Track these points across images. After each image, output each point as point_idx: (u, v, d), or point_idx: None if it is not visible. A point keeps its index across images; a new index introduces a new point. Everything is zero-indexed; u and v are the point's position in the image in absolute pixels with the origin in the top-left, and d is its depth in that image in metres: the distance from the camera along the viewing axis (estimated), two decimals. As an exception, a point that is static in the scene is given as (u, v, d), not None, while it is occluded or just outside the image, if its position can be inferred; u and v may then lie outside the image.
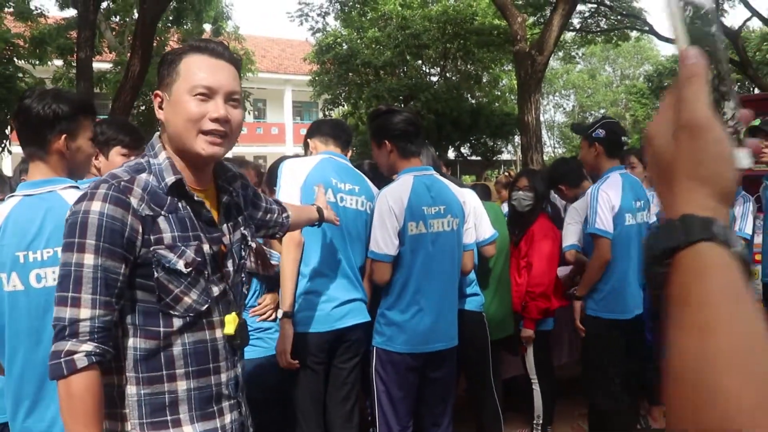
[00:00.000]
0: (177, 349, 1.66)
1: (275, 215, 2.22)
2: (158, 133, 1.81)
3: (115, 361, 1.63)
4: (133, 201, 1.60)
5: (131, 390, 1.63)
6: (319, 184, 2.82)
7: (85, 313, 1.52)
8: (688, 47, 0.71)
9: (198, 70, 1.68)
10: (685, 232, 0.65)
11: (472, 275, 3.69)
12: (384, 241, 3.00)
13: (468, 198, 3.70)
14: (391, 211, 3.00)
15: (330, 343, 3.03)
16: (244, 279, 1.91)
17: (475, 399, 3.86)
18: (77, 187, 2.14)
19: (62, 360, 1.49)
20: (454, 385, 3.41)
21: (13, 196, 2.15)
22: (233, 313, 1.78)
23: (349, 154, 3.40)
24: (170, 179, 1.67)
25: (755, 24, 22.18)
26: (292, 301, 2.94)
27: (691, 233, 0.64)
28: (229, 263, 1.80)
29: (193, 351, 1.69)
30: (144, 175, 1.66)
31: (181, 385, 1.67)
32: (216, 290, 1.74)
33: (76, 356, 1.49)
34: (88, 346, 1.51)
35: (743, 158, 0.70)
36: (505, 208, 5.13)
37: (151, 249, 1.62)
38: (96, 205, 1.56)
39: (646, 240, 0.71)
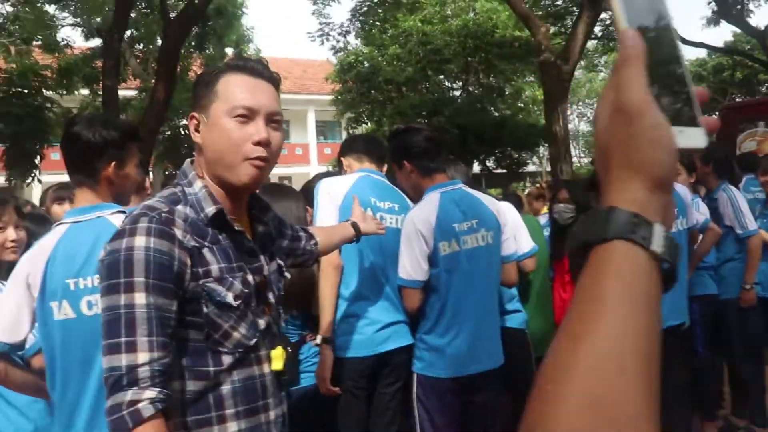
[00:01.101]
0: (226, 388, 1.56)
1: (302, 242, 2.14)
2: (190, 159, 1.71)
3: None
4: (178, 232, 1.51)
5: None
6: (354, 195, 2.72)
7: (143, 357, 1.40)
8: (627, 28, 0.67)
9: (237, 89, 1.58)
10: (603, 227, 0.62)
11: (514, 291, 3.58)
12: (413, 267, 2.88)
13: (504, 210, 3.61)
14: (418, 234, 2.88)
15: (372, 367, 2.94)
16: (281, 310, 1.84)
17: (518, 420, 3.73)
18: (125, 212, 2.10)
19: (125, 412, 1.36)
20: (501, 407, 3.24)
21: (61, 223, 2.12)
22: (279, 347, 1.70)
23: (385, 168, 3.33)
24: (210, 210, 1.57)
25: (781, 24, 21.86)
26: (331, 326, 2.86)
27: (608, 230, 0.61)
28: (270, 295, 1.72)
29: (243, 389, 1.59)
30: (180, 207, 1.57)
31: (231, 427, 1.56)
32: (262, 323, 1.66)
33: (140, 405, 1.37)
34: (152, 392, 1.39)
35: (697, 137, 0.67)
36: (540, 220, 5.04)
37: (200, 282, 1.52)
38: (140, 240, 1.45)
39: (574, 227, 0.66)
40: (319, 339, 2.87)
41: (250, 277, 1.62)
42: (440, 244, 2.89)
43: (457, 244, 2.92)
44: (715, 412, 4.43)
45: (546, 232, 4.57)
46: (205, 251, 1.55)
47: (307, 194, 3.32)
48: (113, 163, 2.14)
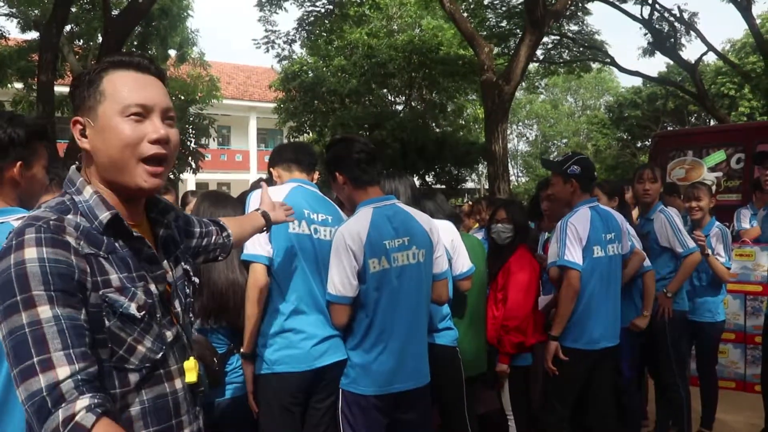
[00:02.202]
0: (135, 410, 1.44)
1: (213, 237, 2.04)
2: (75, 165, 1.55)
3: None
4: (71, 240, 1.36)
5: None
6: (263, 183, 2.65)
7: (63, 372, 1.23)
8: None
9: (126, 87, 1.46)
10: None
11: (446, 309, 3.59)
12: (342, 283, 2.82)
13: (440, 227, 3.64)
14: (348, 249, 2.81)
15: (308, 382, 2.91)
16: (192, 319, 1.72)
17: (448, 434, 3.77)
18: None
19: None
20: (429, 426, 3.22)
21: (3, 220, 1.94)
22: (191, 359, 1.59)
23: (316, 177, 3.31)
24: (105, 216, 1.44)
25: (711, 58, 22.82)
26: (252, 342, 2.85)
27: None
28: (177, 303, 1.61)
29: (153, 409, 1.47)
30: (71, 216, 1.42)
31: None
32: (169, 335, 1.54)
33: (78, 418, 1.21)
34: (84, 400, 1.23)
35: None
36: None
37: (100, 293, 1.38)
38: (30, 253, 1.30)
39: None
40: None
41: (152, 287, 1.51)
42: (370, 261, 2.83)
43: (387, 262, 2.87)
44: (639, 430, 4.55)
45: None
46: (102, 260, 1.41)
47: (243, 205, 3.29)
48: (19, 163, 1.97)
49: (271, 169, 3.29)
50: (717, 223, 5.02)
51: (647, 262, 4.29)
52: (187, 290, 1.70)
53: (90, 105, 1.46)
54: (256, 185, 3.83)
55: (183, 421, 1.56)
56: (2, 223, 1.91)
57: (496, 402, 4.14)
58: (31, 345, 1.24)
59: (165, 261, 1.62)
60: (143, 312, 1.45)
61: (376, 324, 2.88)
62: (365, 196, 3.00)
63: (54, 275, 1.29)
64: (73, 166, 1.55)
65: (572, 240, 3.74)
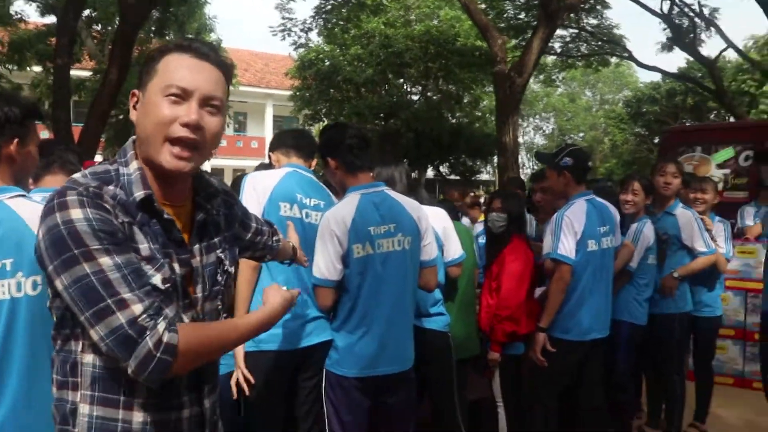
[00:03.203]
0: (139, 384, 1.47)
1: (265, 237, 2.07)
2: (133, 137, 1.61)
3: (70, 375, 1.50)
4: (108, 207, 1.43)
5: (84, 409, 1.48)
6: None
7: (138, 308, 1.35)
8: None
9: (175, 68, 1.51)
10: None
11: (438, 294, 3.64)
12: (326, 266, 2.87)
13: (431, 215, 3.69)
14: (332, 234, 2.86)
15: (295, 361, 2.98)
16: (220, 307, 1.71)
17: (439, 420, 3.82)
18: (25, 196, 2.00)
19: (159, 355, 1.35)
20: (413, 410, 3.25)
21: (25, 197, 2.00)
22: None
23: (314, 163, 3.36)
24: (139, 194, 1.49)
25: (731, 54, 22.57)
26: None
27: None
28: (198, 288, 1.62)
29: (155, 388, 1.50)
30: (111, 187, 1.48)
31: (137, 417, 1.50)
32: (185, 318, 1.55)
33: (165, 338, 1.36)
34: (162, 325, 1.37)
35: None
36: (477, 228, 5.18)
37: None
38: (76, 213, 1.38)
39: None
40: None
41: (176, 266, 1.53)
42: (354, 246, 2.88)
43: (371, 248, 2.91)
44: (631, 423, 4.59)
45: (482, 240, 4.70)
46: (135, 229, 1.47)
47: (235, 190, 3.35)
48: (16, 140, 2.01)
49: (271, 154, 3.36)
50: (717, 217, 5.03)
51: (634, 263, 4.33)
52: (219, 278, 1.70)
53: (145, 80, 1.53)
54: (263, 167, 3.89)
55: (183, 401, 1.59)
56: None
57: (487, 389, 4.19)
58: (101, 289, 1.35)
59: (196, 245, 1.63)
60: (167, 285, 1.48)
61: (359, 308, 2.92)
62: (355, 182, 3.04)
63: (104, 232, 1.38)
64: (132, 138, 1.61)
65: (566, 233, 3.77)
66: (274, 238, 2.14)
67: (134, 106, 1.56)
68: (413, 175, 3.68)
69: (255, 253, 2.10)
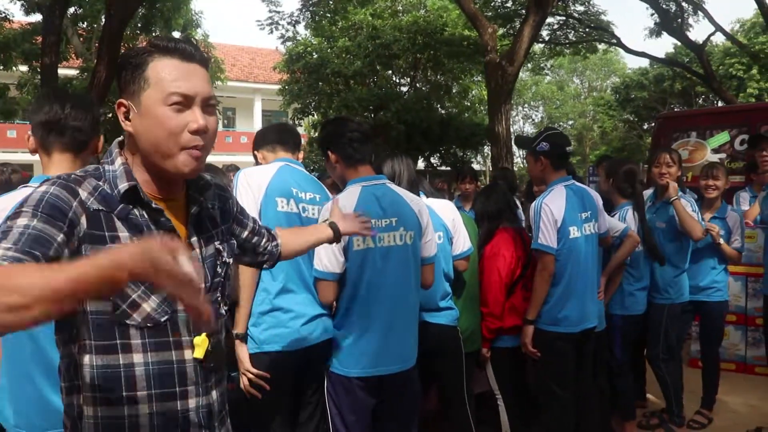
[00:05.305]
0: (139, 370, 1.50)
1: (263, 239, 2.05)
2: (119, 139, 1.63)
3: (74, 379, 1.51)
4: (82, 193, 1.46)
5: (89, 411, 1.50)
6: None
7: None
8: None
9: (170, 76, 1.51)
10: None
11: (447, 288, 3.60)
12: (328, 259, 2.81)
13: (441, 207, 3.64)
14: None
15: (298, 361, 2.93)
16: (219, 299, 1.73)
17: (447, 414, 3.79)
18: None
19: None
20: (417, 408, 3.20)
21: (27, 186, 2.15)
22: (203, 335, 1.61)
23: (301, 156, 3.31)
24: (123, 186, 1.51)
25: (719, 38, 22.62)
26: (245, 322, 2.86)
27: None
28: None
29: (158, 372, 1.53)
30: (96, 181, 1.52)
31: (143, 409, 1.51)
32: (181, 306, 1.53)
33: None
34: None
35: None
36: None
37: (107, 246, 1.45)
38: (41, 188, 1.42)
39: None
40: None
41: None
42: (354, 239, 2.82)
43: (371, 241, 2.86)
44: (633, 411, 4.57)
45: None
46: (113, 217, 1.49)
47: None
48: (102, 137, 2.32)
49: (256, 153, 3.29)
50: (729, 206, 5.00)
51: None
52: (218, 269, 1.72)
53: (134, 90, 1.52)
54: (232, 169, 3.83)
55: (188, 390, 1.59)
56: None
57: (488, 383, 4.16)
58: None
59: (195, 237, 1.66)
60: None
61: (357, 303, 2.88)
62: (355, 175, 3.00)
63: (47, 202, 1.39)
64: (117, 139, 1.63)
65: (546, 222, 3.69)
66: (273, 243, 2.10)
67: (126, 117, 1.55)
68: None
69: (255, 258, 2.08)
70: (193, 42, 1.64)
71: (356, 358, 2.87)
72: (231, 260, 1.81)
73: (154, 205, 1.55)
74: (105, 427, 1.50)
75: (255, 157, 3.30)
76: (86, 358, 1.49)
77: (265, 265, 2.17)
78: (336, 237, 2.30)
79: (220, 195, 1.83)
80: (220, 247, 1.74)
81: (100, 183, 1.51)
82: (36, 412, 2.11)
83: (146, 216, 1.54)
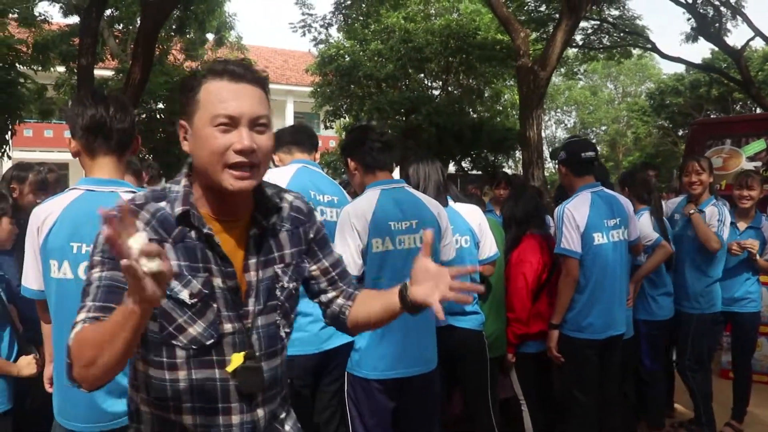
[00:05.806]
0: (183, 384, 1.59)
1: (334, 292, 1.88)
2: (189, 160, 1.68)
3: (134, 379, 1.66)
4: (138, 224, 1.51)
5: (144, 408, 1.66)
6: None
7: (81, 315, 1.46)
8: None
9: (217, 98, 1.55)
10: None
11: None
12: (346, 262, 2.76)
13: (467, 212, 3.63)
14: (353, 228, 2.81)
15: (317, 365, 2.93)
16: (278, 321, 1.71)
17: (471, 418, 3.77)
18: (135, 192, 2.18)
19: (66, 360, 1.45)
20: (437, 412, 3.20)
21: (74, 188, 2.24)
22: (241, 353, 1.61)
23: (317, 156, 3.31)
24: (178, 210, 1.58)
25: (758, 43, 22.22)
26: None
27: None
28: (251, 302, 1.64)
29: (201, 388, 1.60)
30: (162, 203, 1.60)
31: (187, 419, 1.62)
32: (229, 327, 1.61)
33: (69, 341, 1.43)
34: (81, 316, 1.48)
35: None
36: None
37: None
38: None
39: None
40: None
41: (218, 280, 1.59)
42: (373, 241, 2.82)
43: (391, 243, 2.85)
44: (662, 420, 4.52)
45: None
46: (167, 246, 1.55)
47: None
48: (140, 139, 2.36)
49: (272, 155, 3.30)
50: (764, 216, 4.92)
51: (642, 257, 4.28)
52: (276, 293, 1.70)
53: (189, 111, 1.60)
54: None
55: (232, 407, 1.63)
56: (113, 192, 2.22)
57: (512, 388, 4.14)
58: (82, 296, 1.51)
59: (254, 259, 1.66)
60: (195, 300, 1.56)
61: None
62: (374, 179, 3.01)
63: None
64: (188, 160, 1.69)
65: (569, 228, 3.71)
66: (342, 303, 1.88)
67: (185, 138, 1.64)
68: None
69: (316, 301, 1.94)
70: (247, 64, 1.67)
71: (375, 361, 2.87)
72: (292, 285, 1.76)
73: (205, 230, 1.59)
74: (159, 424, 1.64)
75: (272, 159, 3.32)
76: (140, 365, 1.63)
77: (326, 320, 1.98)
78: (403, 307, 1.69)
79: (294, 217, 1.78)
80: (279, 271, 1.72)
81: (162, 205, 1.60)
82: (83, 408, 2.19)
83: (202, 239, 1.59)
